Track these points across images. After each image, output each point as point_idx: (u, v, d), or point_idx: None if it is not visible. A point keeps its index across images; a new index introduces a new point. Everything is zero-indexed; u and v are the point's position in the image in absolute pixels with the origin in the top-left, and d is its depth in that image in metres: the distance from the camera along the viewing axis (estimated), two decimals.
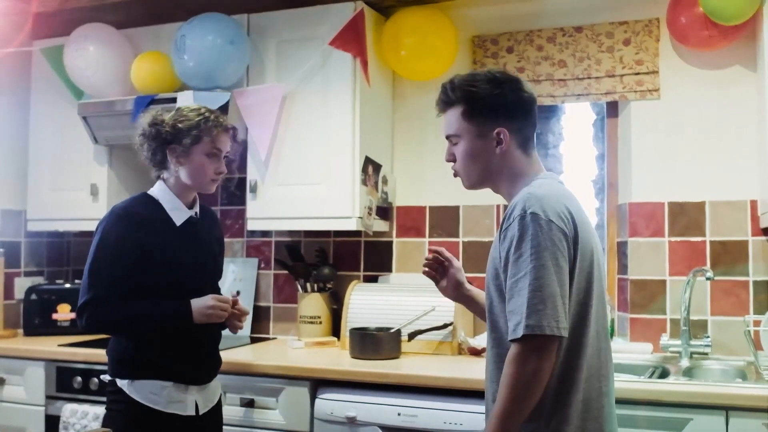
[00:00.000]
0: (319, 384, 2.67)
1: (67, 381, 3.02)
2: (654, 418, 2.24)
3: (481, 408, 1.88)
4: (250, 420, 2.74)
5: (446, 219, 3.26)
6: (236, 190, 3.57)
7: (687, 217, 2.91)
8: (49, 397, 3.06)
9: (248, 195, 3.20)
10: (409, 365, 2.73)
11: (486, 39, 3.21)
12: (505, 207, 1.75)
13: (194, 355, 2.35)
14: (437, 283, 2.09)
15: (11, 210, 3.68)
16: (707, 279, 2.71)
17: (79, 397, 2.98)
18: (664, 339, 2.81)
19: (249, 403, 2.75)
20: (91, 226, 2.44)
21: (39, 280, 3.75)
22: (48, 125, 3.57)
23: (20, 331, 3.53)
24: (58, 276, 3.87)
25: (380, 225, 3.26)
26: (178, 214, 2.38)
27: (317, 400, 2.64)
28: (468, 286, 2.09)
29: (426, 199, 3.31)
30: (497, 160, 1.81)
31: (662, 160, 2.97)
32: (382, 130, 3.29)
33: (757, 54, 2.79)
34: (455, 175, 1.89)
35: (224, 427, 2.53)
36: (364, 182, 3.07)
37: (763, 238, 2.83)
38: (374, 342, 2.84)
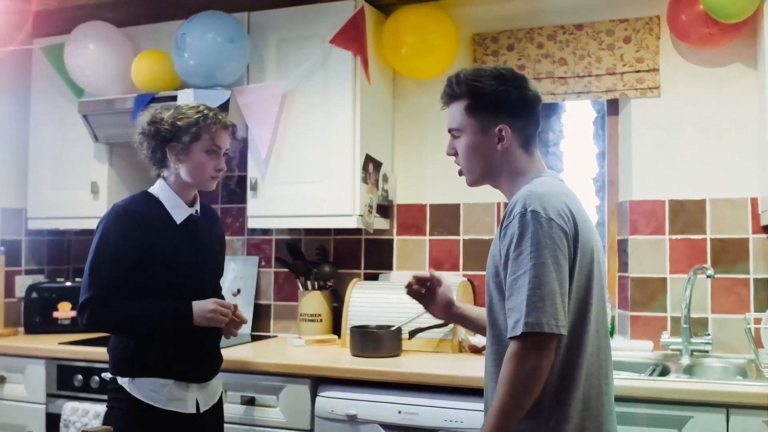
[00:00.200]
0: (319, 382, 2.68)
1: (67, 379, 3.03)
2: (654, 415, 2.24)
3: (482, 406, 1.88)
4: (251, 418, 2.74)
5: (447, 217, 3.26)
6: (236, 188, 3.57)
7: (687, 214, 2.91)
8: (49, 395, 3.07)
9: (249, 193, 3.20)
10: (410, 363, 2.73)
11: (486, 37, 3.21)
12: (506, 205, 1.75)
13: (195, 353, 2.35)
14: (425, 305, 2.09)
15: (12, 208, 3.68)
16: (708, 277, 2.72)
17: (80, 395, 2.99)
18: (665, 337, 2.81)
19: (250, 401, 2.75)
20: (92, 225, 2.45)
21: (40, 278, 3.75)
22: (48, 123, 3.57)
23: (21, 329, 3.53)
24: (58, 274, 3.88)
25: (381, 223, 3.26)
26: (179, 212, 2.38)
27: (318, 398, 2.64)
28: (458, 304, 2.08)
29: (426, 196, 3.31)
30: (498, 156, 1.81)
31: (663, 157, 2.96)
32: (383, 128, 3.29)
33: (758, 51, 2.79)
34: (460, 174, 1.89)
35: (225, 425, 2.53)
36: (365, 180, 3.07)
37: (764, 235, 2.82)
38: (375, 340, 2.85)
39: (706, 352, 2.75)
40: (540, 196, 1.67)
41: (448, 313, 2.08)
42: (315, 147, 3.09)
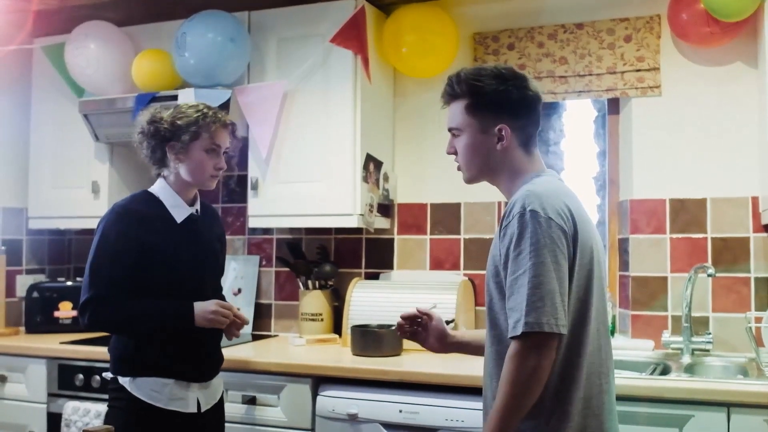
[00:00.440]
0: (320, 381, 2.68)
1: (68, 378, 3.03)
2: (655, 414, 2.24)
3: (482, 405, 1.88)
4: (252, 417, 2.74)
5: (447, 216, 3.26)
6: (236, 187, 3.57)
7: (688, 213, 2.91)
8: (51, 395, 3.07)
9: (249, 192, 3.20)
10: (411, 362, 2.73)
11: (487, 36, 3.20)
12: (506, 204, 1.75)
13: (195, 353, 2.35)
14: (420, 341, 2.08)
15: (12, 208, 3.68)
16: (708, 276, 2.72)
17: (81, 394, 2.99)
18: (666, 336, 2.81)
19: (251, 401, 2.75)
20: (93, 224, 2.45)
21: (41, 277, 3.75)
22: (49, 123, 3.57)
23: (22, 328, 3.53)
24: (59, 274, 3.88)
25: (381, 222, 3.26)
26: (179, 211, 2.38)
27: (319, 398, 2.64)
28: (452, 333, 2.08)
29: (427, 196, 3.31)
30: (497, 156, 1.81)
31: (663, 156, 2.96)
32: (383, 127, 3.29)
33: (758, 50, 2.78)
34: (459, 169, 1.89)
35: (226, 425, 2.53)
36: (365, 179, 3.07)
37: (765, 234, 2.82)
38: (375, 339, 2.84)
39: (707, 351, 2.75)
40: (539, 196, 1.67)
41: (444, 344, 2.07)
42: (316, 146, 3.09)
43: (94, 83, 3.34)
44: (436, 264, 3.26)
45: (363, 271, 3.39)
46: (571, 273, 1.66)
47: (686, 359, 2.72)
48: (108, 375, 2.35)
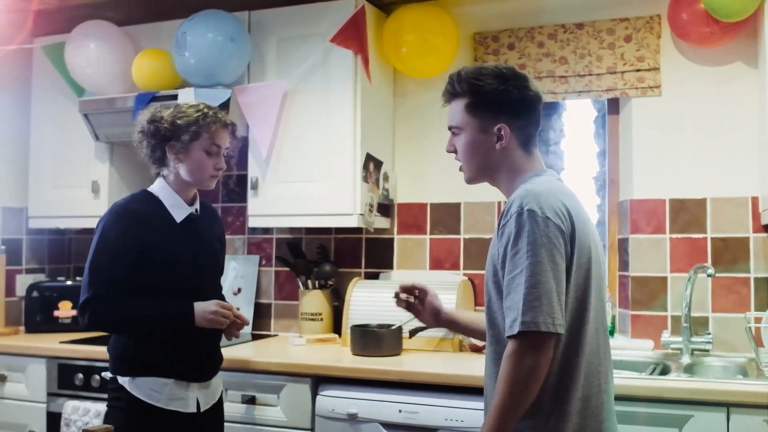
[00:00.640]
0: (320, 381, 2.68)
1: (68, 378, 3.03)
2: (655, 414, 2.24)
3: (482, 405, 1.88)
4: (252, 417, 2.74)
5: (447, 216, 3.26)
6: (236, 188, 3.57)
7: (688, 213, 2.91)
8: (50, 394, 3.07)
9: (249, 192, 3.20)
10: (410, 362, 2.73)
11: (487, 36, 3.20)
12: (506, 203, 1.75)
13: (195, 352, 2.35)
14: (415, 314, 2.15)
15: (12, 207, 3.68)
16: (708, 276, 2.72)
17: (81, 394, 2.99)
18: (665, 336, 2.81)
19: (250, 400, 2.75)
20: (92, 224, 2.45)
21: (40, 277, 3.75)
22: (49, 122, 3.57)
23: (22, 328, 3.53)
24: (59, 273, 3.88)
25: (381, 222, 3.26)
26: (179, 211, 2.38)
27: (318, 397, 2.64)
28: (446, 310, 2.14)
29: (427, 195, 3.31)
30: (496, 155, 1.81)
31: (663, 156, 2.96)
32: (383, 127, 3.29)
33: (758, 50, 2.78)
34: (460, 169, 1.89)
35: (225, 424, 2.53)
36: (365, 179, 3.07)
37: (764, 234, 2.82)
38: (375, 339, 2.85)
39: (707, 351, 2.75)
40: (537, 195, 1.67)
41: (438, 320, 2.14)
42: (315, 146, 3.09)
43: (94, 83, 3.34)
44: (436, 264, 3.26)
45: (363, 270, 3.39)
46: (569, 272, 1.66)
47: (686, 359, 2.72)
48: (107, 375, 2.35)
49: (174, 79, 3.19)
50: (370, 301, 3.08)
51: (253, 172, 3.20)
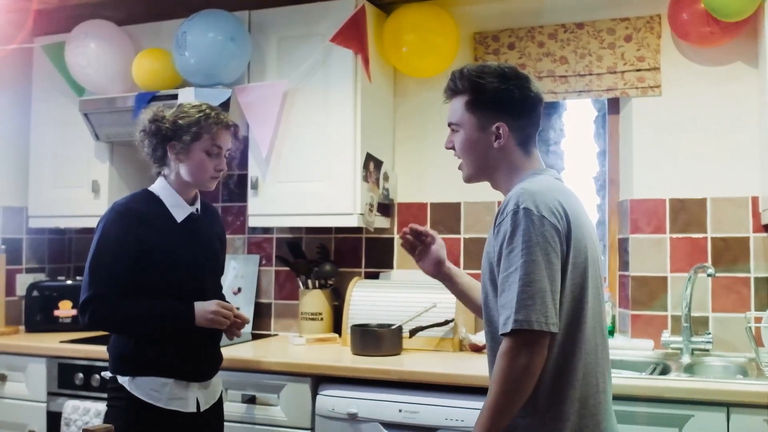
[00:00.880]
0: (320, 380, 2.68)
1: (68, 377, 3.03)
2: (655, 414, 2.24)
3: (482, 404, 1.88)
4: (252, 416, 2.74)
5: (448, 215, 3.26)
6: (236, 189, 3.57)
7: (688, 213, 2.91)
8: (50, 394, 3.07)
9: (249, 191, 3.20)
10: (411, 362, 2.73)
11: (487, 35, 3.20)
12: None
13: (195, 352, 2.35)
14: (417, 259, 2.11)
15: (13, 207, 3.68)
16: (708, 276, 2.72)
17: (81, 393, 2.99)
18: (666, 336, 2.81)
19: (250, 400, 2.75)
20: (93, 223, 2.45)
21: (40, 276, 3.75)
22: (49, 122, 3.57)
23: (22, 327, 3.53)
24: (59, 273, 3.88)
25: (381, 221, 3.26)
26: (179, 210, 2.38)
27: (318, 397, 2.64)
28: (448, 264, 2.10)
29: (427, 195, 3.31)
30: (494, 154, 1.81)
31: (663, 156, 2.96)
32: (384, 127, 3.29)
33: (759, 50, 2.78)
34: (460, 167, 1.90)
35: (226, 424, 2.53)
36: (366, 179, 3.07)
37: (765, 234, 2.82)
38: (375, 338, 2.85)
39: (707, 350, 2.75)
40: (533, 194, 1.67)
41: (439, 271, 2.10)
42: (316, 146, 3.09)
43: (94, 82, 3.34)
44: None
45: (363, 270, 3.39)
46: (565, 271, 1.66)
47: (686, 359, 2.72)
48: (107, 374, 2.35)
49: (174, 79, 3.19)
50: (370, 300, 3.08)
51: (253, 171, 3.20)
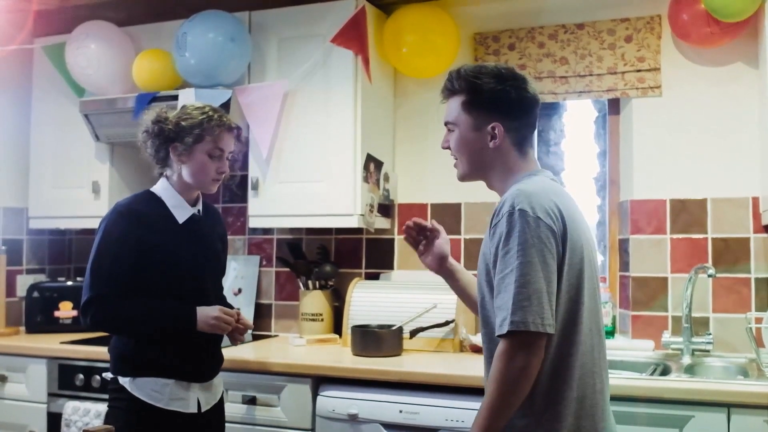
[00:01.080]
0: (320, 381, 2.68)
1: (69, 378, 3.03)
2: (655, 415, 2.24)
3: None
4: (252, 417, 2.74)
5: (448, 216, 3.26)
6: (238, 191, 3.57)
7: (689, 214, 2.91)
8: (51, 395, 3.07)
9: (250, 192, 3.20)
10: (411, 362, 2.73)
11: (487, 36, 3.20)
12: None
13: (196, 353, 2.35)
14: (420, 253, 2.09)
15: (13, 208, 3.68)
16: (709, 276, 2.72)
17: (81, 394, 2.99)
18: (666, 336, 2.81)
19: (251, 401, 2.75)
20: (93, 224, 2.45)
21: (41, 277, 3.75)
22: (49, 123, 3.57)
23: (22, 328, 3.53)
24: (60, 274, 3.88)
25: (382, 222, 3.26)
26: (181, 211, 2.38)
27: (319, 398, 2.64)
28: (451, 260, 2.09)
29: (428, 196, 3.31)
30: (489, 153, 1.82)
31: (664, 157, 2.96)
32: (384, 128, 3.29)
33: (759, 51, 2.78)
34: (455, 166, 1.90)
35: (226, 425, 2.53)
36: (366, 179, 3.07)
37: (765, 235, 2.82)
38: (376, 339, 2.85)
39: (707, 351, 2.75)
40: (528, 195, 1.67)
41: (441, 267, 2.08)
42: (316, 146, 3.09)
43: (94, 83, 3.34)
44: None
45: (363, 271, 3.39)
46: (561, 272, 1.66)
47: (686, 360, 2.72)
48: (108, 375, 2.35)
49: (174, 80, 3.19)
50: (371, 301, 3.08)
51: (253, 172, 3.20)
